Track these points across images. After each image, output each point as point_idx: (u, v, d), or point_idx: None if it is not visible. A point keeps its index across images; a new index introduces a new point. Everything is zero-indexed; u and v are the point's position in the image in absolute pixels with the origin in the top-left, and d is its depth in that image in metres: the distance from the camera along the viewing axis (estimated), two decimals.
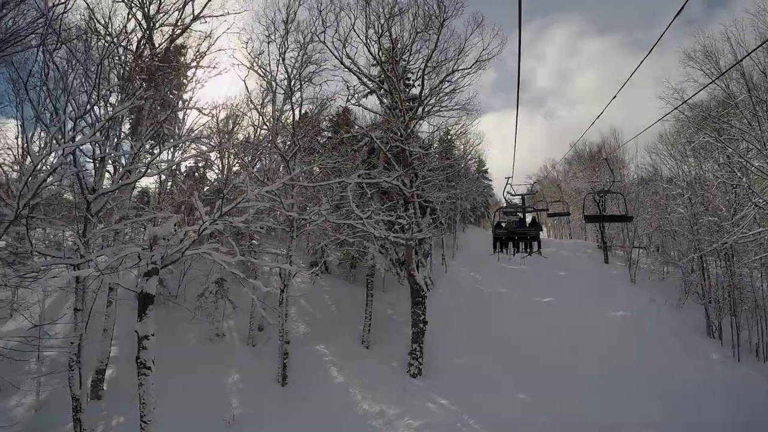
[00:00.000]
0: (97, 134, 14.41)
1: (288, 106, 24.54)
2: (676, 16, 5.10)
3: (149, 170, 15.44)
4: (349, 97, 21.96)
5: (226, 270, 20.18)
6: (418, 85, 25.04)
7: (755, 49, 19.90)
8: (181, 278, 27.59)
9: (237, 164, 27.12)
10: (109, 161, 17.59)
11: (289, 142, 23.17)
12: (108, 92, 16.56)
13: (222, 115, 25.31)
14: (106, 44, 15.80)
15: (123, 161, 17.48)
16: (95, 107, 14.74)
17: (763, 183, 23.03)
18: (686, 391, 21.76)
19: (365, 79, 25.32)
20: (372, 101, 27.17)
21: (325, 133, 32.84)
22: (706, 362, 24.95)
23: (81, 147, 14.81)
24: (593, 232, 53.93)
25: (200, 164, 31.47)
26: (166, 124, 21.65)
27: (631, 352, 25.31)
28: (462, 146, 40.88)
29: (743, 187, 23.65)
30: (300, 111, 24.11)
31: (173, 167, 28.55)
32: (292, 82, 23.88)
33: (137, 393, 12.00)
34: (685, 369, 23.77)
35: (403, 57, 25.89)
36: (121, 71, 17.59)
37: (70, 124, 13.81)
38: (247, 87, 30.94)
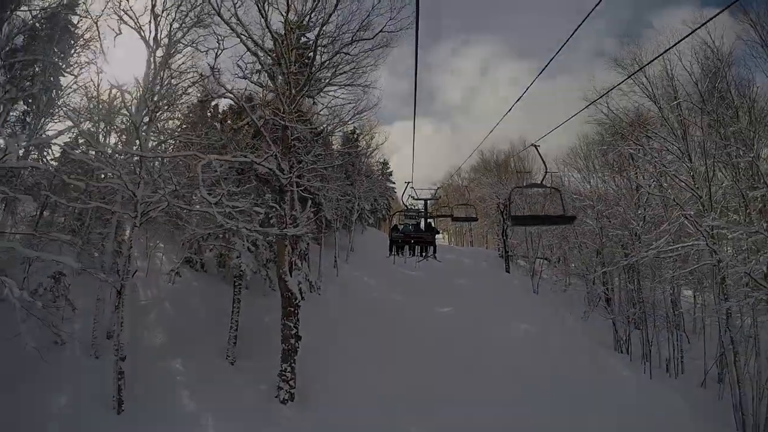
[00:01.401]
0: None
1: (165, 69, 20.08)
2: (574, 31, 5.20)
3: None
4: (219, 52, 17.44)
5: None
6: (311, 55, 21.05)
7: (677, 42, 18.44)
8: (27, 270, 21.85)
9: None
10: None
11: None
12: None
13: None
14: None
15: None
16: None
17: (684, 195, 21.86)
18: (601, 413, 19.33)
19: (252, 44, 20.79)
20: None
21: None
22: (618, 380, 23.13)
23: None
24: (495, 241, 53.41)
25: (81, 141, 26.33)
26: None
27: (537, 369, 22.61)
28: (364, 140, 38.27)
29: (669, 199, 22.56)
30: (164, 72, 19.60)
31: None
32: (159, 37, 19.36)
33: None
34: (598, 388, 21.43)
35: (302, 25, 21.68)
36: None
37: None
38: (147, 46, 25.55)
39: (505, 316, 29.62)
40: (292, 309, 19.49)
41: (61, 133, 15.52)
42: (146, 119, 18.35)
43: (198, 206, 15.64)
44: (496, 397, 20.17)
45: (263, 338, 22.76)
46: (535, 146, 10.84)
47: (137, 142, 17.50)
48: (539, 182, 11.39)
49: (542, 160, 11.05)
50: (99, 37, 19.36)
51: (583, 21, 5.02)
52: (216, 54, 17.19)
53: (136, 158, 17.62)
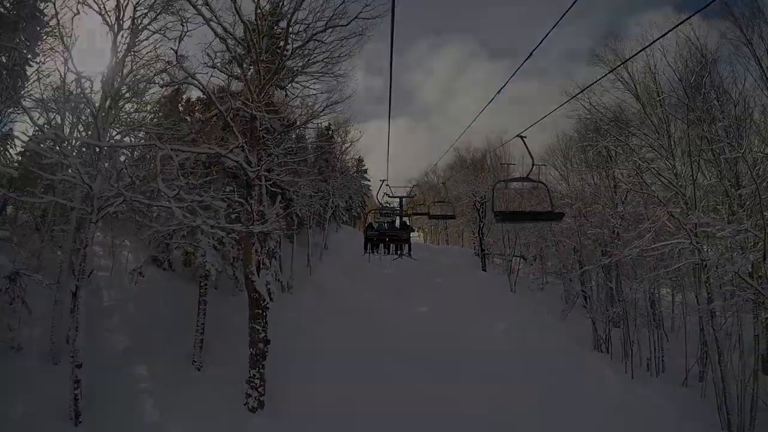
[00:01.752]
0: None
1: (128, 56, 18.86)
2: (553, 27, 5.24)
3: None
4: (183, 35, 16.11)
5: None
6: (281, 44, 19.98)
7: (659, 38, 17.88)
8: None
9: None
10: None
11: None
12: None
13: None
14: None
15: None
16: None
17: (667, 193, 21.32)
18: (582, 413, 18.72)
19: (221, 30, 19.51)
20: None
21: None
22: (600, 381, 22.48)
23: None
24: (471, 239, 53.02)
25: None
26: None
27: (517, 369, 21.96)
28: (338, 136, 37.81)
29: (651, 197, 22.08)
30: (126, 59, 18.41)
31: None
32: (122, 19, 18.04)
33: None
34: (580, 390, 20.73)
35: (274, 12, 20.64)
36: None
37: None
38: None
39: (483, 315, 29.03)
40: (260, 311, 18.12)
41: None
42: (107, 107, 17.03)
43: (165, 201, 14.30)
44: (475, 397, 19.48)
45: (232, 341, 21.34)
46: (522, 137, 9.97)
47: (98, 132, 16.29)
48: (524, 176, 10.57)
49: (528, 152, 10.16)
50: (57, 22, 18.03)
51: (560, 19, 5.14)
52: (180, 37, 15.79)
53: (98, 149, 16.33)
